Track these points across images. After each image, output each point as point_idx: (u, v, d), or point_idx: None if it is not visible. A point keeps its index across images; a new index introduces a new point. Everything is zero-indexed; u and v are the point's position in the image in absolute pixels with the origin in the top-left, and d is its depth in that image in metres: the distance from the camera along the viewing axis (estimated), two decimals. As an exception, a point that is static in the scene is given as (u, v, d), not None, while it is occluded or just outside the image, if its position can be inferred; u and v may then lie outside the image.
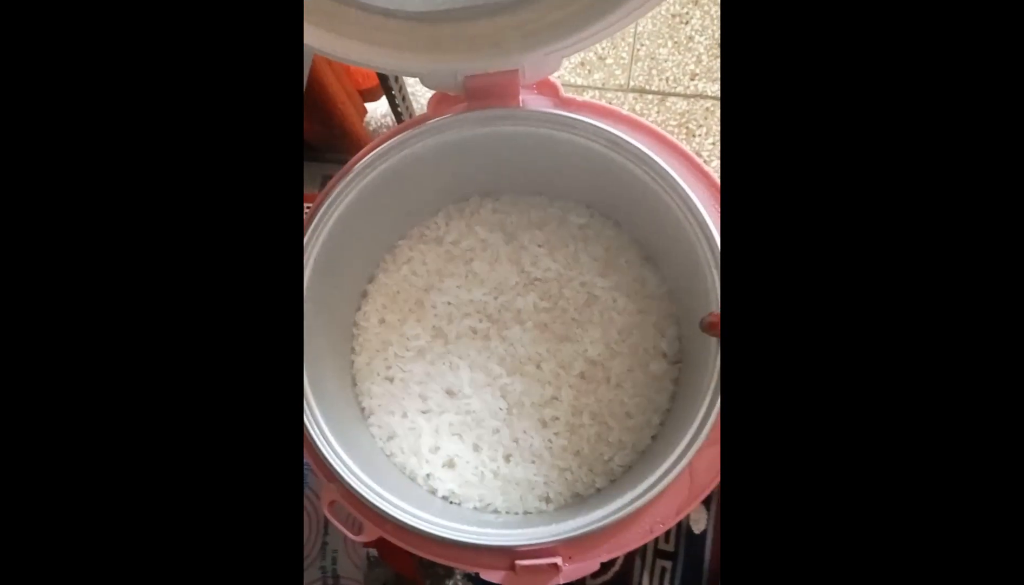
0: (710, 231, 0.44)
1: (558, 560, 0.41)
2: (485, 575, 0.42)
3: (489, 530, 0.42)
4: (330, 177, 0.83)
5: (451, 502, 0.50)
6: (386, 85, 0.78)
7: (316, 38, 0.44)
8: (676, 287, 0.52)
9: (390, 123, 1.00)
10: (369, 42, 0.45)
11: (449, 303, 0.54)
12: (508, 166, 0.53)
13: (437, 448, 0.51)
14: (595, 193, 0.54)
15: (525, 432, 0.50)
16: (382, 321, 0.54)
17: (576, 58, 1.04)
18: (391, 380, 0.53)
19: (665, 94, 1.00)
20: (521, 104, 0.48)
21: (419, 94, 0.93)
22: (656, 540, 0.74)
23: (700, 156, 0.98)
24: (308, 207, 0.67)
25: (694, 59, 1.02)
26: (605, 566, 0.73)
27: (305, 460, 0.46)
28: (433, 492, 0.50)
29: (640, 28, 1.03)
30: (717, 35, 1.01)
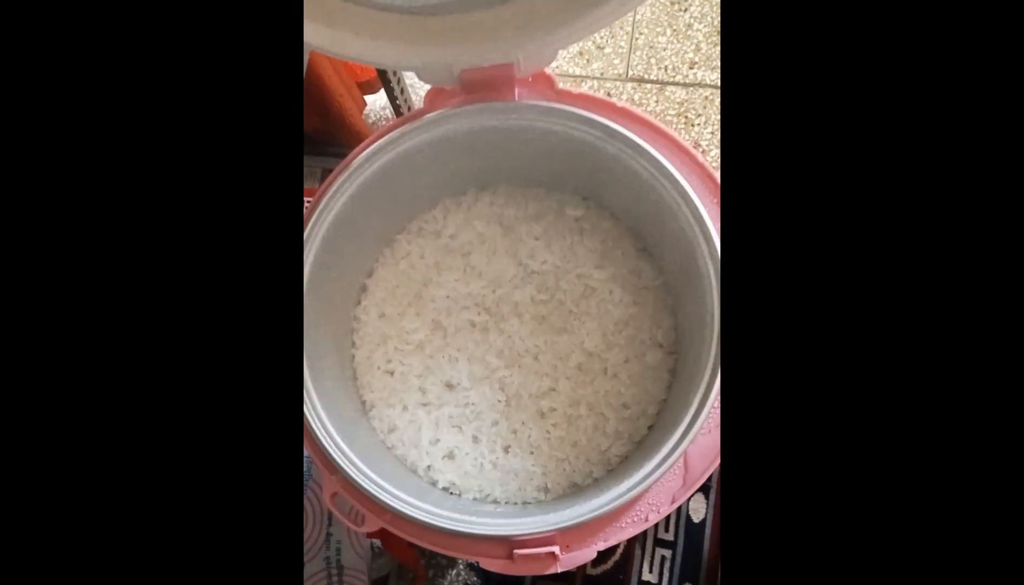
0: (705, 222, 0.44)
1: (555, 549, 0.41)
2: (484, 564, 0.42)
3: (488, 520, 0.42)
4: (330, 170, 0.83)
5: (451, 493, 0.51)
6: (384, 78, 0.78)
7: (312, 33, 0.44)
8: (672, 278, 0.53)
9: (389, 116, 1.00)
10: (364, 36, 0.45)
11: (447, 296, 0.54)
12: (505, 159, 0.53)
13: (437, 440, 0.51)
14: (591, 185, 0.55)
15: (523, 423, 0.51)
16: (381, 315, 0.55)
17: (575, 48, 1.04)
18: (391, 373, 0.53)
19: (664, 83, 1.00)
20: (517, 97, 0.48)
21: (418, 86, 0.93)
22: (656, 529, 0.75)
23: (699, 146, 0.99)
24: (308, 202, 0.68)
25: (693, 47, 1.01)
26: (606, 555, 0.74)
27: (308, 453, 0.46)
28: (434, 483, 0.51)
29: (639, 16, 1.03)
30: (716, 22, 1.01)
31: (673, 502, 0.43)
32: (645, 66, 1.01)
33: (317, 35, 0.44)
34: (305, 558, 0.66)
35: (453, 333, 0.53)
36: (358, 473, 0.43)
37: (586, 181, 0.54)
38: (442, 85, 0.49)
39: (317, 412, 0.45)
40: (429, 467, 0.51)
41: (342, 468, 0.43)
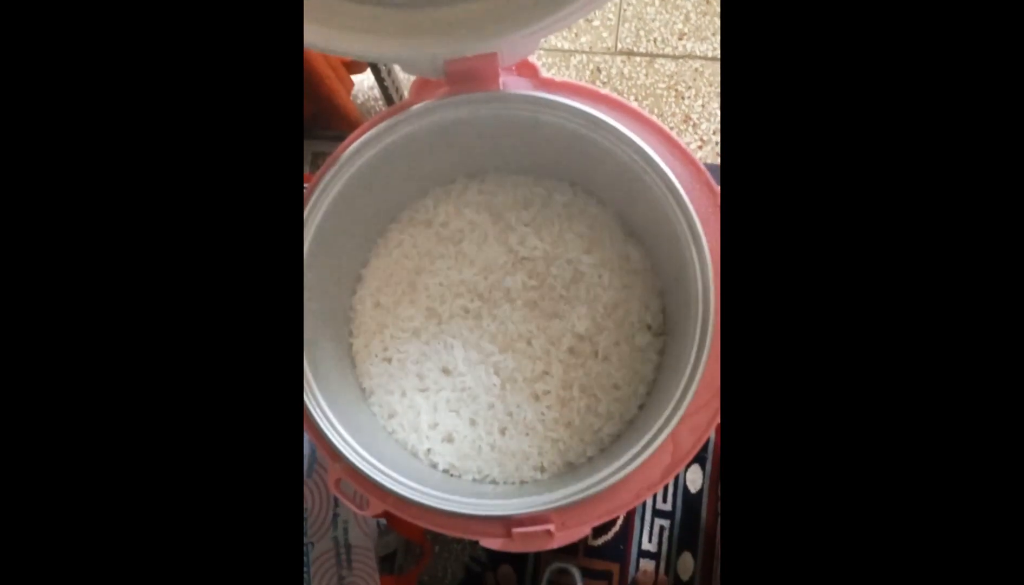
0: (687, 207, 0.45)
1: (551, 527, 0.43)
2: (484, 542, 0.44)
3: (487, 500, 0.44)
4: (320, 153, 0.84)
5: (451, 474, 0.53)
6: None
7: (295, 33, 0.44)
8: (658, 261, 0.54)
9: (378, 96, 1.00)
10: (347, 31, 0.46)
11: (441, 284, 0.55)
12: (492, 147, 0.54)
13: (436, 424, 0.53)
14: (577, 171, 0.55)
15: (518, 406, 0.53)
16: (377, 304, 0.56)
17: (563, 23, 1.03)
18: (389, 360, 0.55)
19: (653, 56, 0.99)
20: (501, 86, 0.49)
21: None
22: (654, 499, 0.77)
23: (690, 119, 0.99)
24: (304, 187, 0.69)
25: (682, 17, 1.01)
26: (607, 526, 0.76)
27: (312, 441, 0.48)
28: (434, 466, 0.53)
29: (627, -13, 1.02)
30: (705, -9, 1.00)
31: (663, 479, 0.45)
32: (634, 38, 1.01)
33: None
34: (313, 538, 0.69)
35: (447, 320, 0.55)
36: (361, 460, 0.45)
37: (573, 168, 0.55)
38: (427, 76, 0.49)
39: (318, 401, 0.47)
40: (429, 450, 0.53)
41: (345, 455, 0.45)
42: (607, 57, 1.01)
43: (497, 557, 0.76)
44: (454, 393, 0.54)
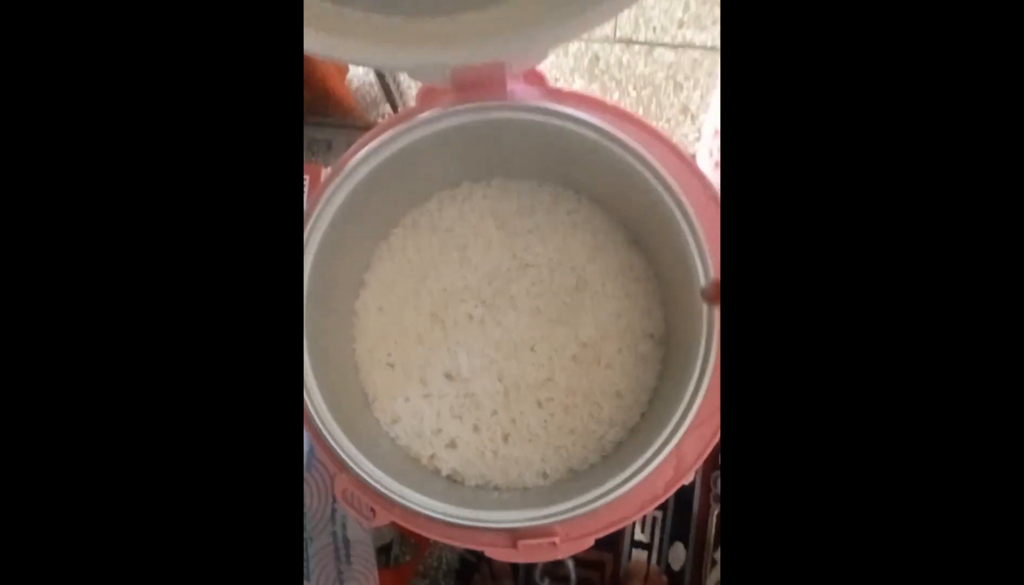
0: (694, 222, 0.45)
1: (556, 539, 0.44)
2: (490, 552, 0.45)
3: (493, 512, 0.45)
4: (315, 141, 0.82)
5: (454, 480, 0.53)
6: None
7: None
8: (663, 270, 0.54)
9: (372, 80, 0.98)
10: (354, 39, 0.45)
11: (445, 290, 0.55)
12: (497, 152, 0.54)
13: (439, 430, 0.54)
14: (583, 179, 0.55)
15: (522, 413, 0.53)
16: (380, 309, 0.56)
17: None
18: (392, 366, 0.55)
19: (652, 44, 0.98)
20: (509, 95, 0.48)
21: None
22: (647, 491, 0.79)
23: (688, 110, 0.98)
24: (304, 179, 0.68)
25: (682, 5, 0.99)
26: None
27: (319, 455, 0.48)
28: (437, 472, 0.53)
29: (627, -27, 1.00)
30: (705, -23, 0.99)
31: (667, 491, 0.46)
32: (633, 27, 0.99)
33: (307, 39, 0.44)
34: (312, 533, 0.69)
35: (451, 326, 0.55)
36: (367, 474, 0.45)
37: (578, 175, 0.55)
38: (434, 84, 0.49)
39: (324, 411, 0.47)
40: (432, 456, 0.53)
41: (351, 468, 0.46)
42: (605, 45, 1.00)
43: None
44: (457, 399, 0.54)
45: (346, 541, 0.70)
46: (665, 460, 0.45)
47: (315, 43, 0.44)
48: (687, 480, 0.46)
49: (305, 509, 0.69)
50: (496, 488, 0.53)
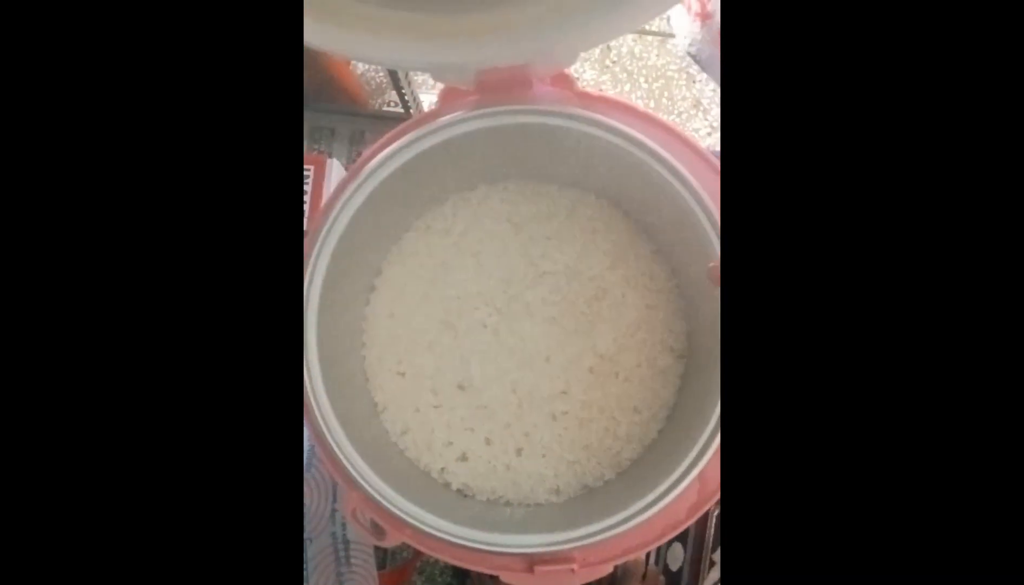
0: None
1: (575, 566, 0.43)
2: (505, 577, 0.44)
3: (509, 536, 0.44)
4: (317, 127, 0.79)
5: (464, 494, 0.52)
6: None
7: (318, 34, 0.41)
8: (686, 281, 0.52)
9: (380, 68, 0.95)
10: (374, 37, 0.42)
11: (457, 296, 0.53)
12: (515, 155, 0.51)
13: (450, 443, 0.52)
14: (605, 183, 0.53)
15: (535, 426, 0.52)
16: (391, 315, 0.54)
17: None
18: (402, 374, 0.53)
19: (666, 35, 0.95)
20: (535, 98, 0.46)
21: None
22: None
23: (700, 104, 0.96)
24: (308, 170, 0.65)
25: (696, -6, 0.96)
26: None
27: (331, 473, 0.46)
28: (447, 486, 0.52)
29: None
30: (721, -33, 0.96)
31: (689, 517, 0.45)
32: (646, 15, 0.96)
33: (324, 35, 0.41)
34: (312, 535, 0.68)
35: (464, 333, 0.53)
36: (378, 492, 0.44)
37: (601, 179, 0.52)
38: (457, 85, 0.46)
39: (335, 427, 0.45)
40: (443, 469, 0.52)
41: (363, 487, 0.44)
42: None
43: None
44: (469, 410, 0.52)
45: (346, 542, 0.68)
46: (689, 485, 0.44)
47: (334, 41, 0.41)
48: (711, 505, 0.44)
49: (305, 510, 0.67)
50: (508, 504, 0.51)
